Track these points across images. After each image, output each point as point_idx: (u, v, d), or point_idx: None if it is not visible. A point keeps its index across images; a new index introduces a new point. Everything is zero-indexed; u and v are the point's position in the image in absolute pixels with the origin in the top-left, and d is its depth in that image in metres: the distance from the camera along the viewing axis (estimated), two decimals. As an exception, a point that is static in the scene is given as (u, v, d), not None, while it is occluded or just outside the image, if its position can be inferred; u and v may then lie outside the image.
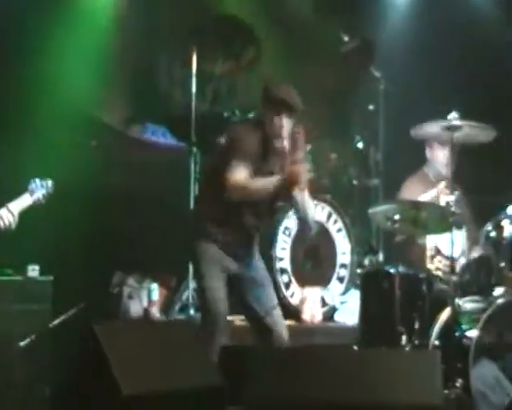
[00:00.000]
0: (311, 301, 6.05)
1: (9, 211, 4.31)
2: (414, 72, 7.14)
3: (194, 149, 6.18)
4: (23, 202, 4.39)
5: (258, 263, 4.84)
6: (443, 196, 5.67)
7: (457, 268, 5.71)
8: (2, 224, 4.29)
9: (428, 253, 5.87)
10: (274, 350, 4.50)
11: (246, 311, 4.84)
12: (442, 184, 5.70)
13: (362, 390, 3.81)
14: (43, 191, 4.44)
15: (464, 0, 7.47)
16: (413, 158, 6.35)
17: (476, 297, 5.24)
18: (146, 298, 6.45)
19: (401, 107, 6.53)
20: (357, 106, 6.68)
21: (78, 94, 6.34)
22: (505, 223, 5.28)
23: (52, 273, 6.13)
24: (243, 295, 4.75)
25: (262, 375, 3.91)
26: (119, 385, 3.60)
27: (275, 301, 4.79)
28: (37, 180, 4.41)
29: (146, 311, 6.36)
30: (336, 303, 6.17)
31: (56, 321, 5.46)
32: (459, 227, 5.34)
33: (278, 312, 4.78)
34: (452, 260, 5.21)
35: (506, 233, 5.25)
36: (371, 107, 6.46)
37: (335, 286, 6.22)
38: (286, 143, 4.62)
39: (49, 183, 4.44)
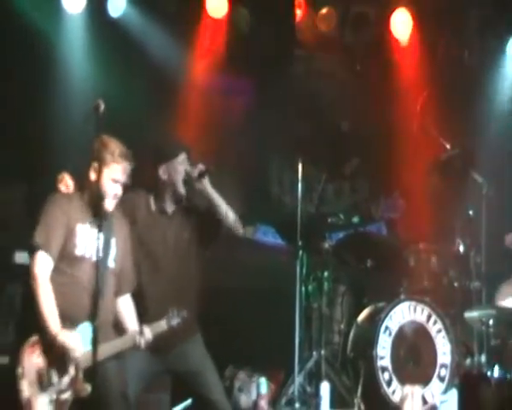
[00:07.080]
0: (411, 399, 6.18)
1: (144, 333, 4.54)
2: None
3: (300, 252, 6.43)
4: (159, 327, 4.60)
5: None
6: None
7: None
8: (137, 341, 4.52)
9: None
10: None
11: None
12: None
13: None
14: (179, 320, 4.60)
15: None
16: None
17: None
18: (255, 391, 6.75)
19: (501, 210, 6.66)
20: (459, 210, 6.75)
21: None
22: None
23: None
24: None
25: None
26: None
27: None
28: (175, 310, 4.60)
29: (255, 404, 6.66)
30: (437, 402, 6.26)
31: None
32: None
33: None
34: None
35: None
36: (471, 212, 6.55)
37: (436, 385, 6.33)
38: None
39: (185, 312, 4.62)
